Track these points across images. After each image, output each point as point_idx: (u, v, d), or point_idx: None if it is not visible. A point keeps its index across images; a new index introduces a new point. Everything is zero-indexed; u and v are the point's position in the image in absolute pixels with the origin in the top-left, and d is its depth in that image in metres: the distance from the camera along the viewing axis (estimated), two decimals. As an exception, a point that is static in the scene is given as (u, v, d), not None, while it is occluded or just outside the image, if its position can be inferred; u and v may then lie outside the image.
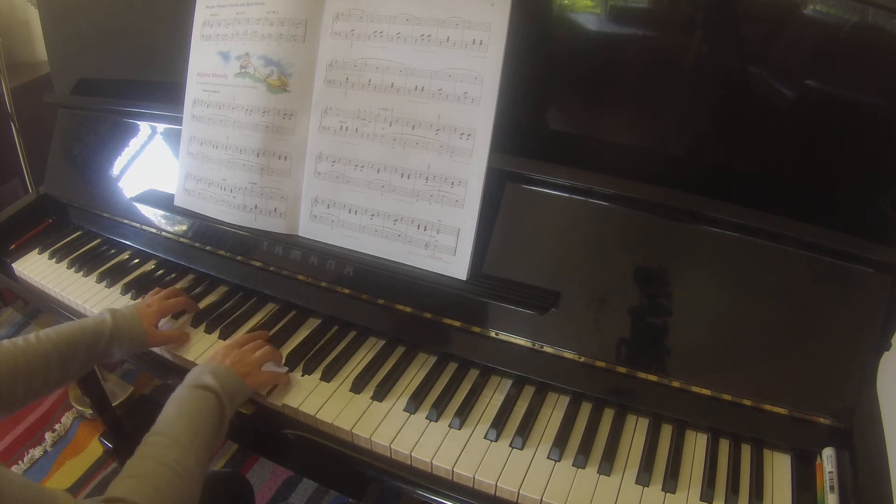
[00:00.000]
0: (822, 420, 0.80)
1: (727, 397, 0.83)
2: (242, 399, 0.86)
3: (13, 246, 1.32)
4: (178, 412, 0.77)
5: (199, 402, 0.79)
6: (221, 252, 1.13)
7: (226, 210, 1.10)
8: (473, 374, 0.95)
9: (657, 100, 0.90)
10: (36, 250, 1.30)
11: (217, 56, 1.09)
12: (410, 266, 0.96)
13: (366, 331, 1.04)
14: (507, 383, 0.94)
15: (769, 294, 0.82)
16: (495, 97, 0.89)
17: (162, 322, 1.04)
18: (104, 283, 1.18)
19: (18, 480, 0.58)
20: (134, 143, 1.27)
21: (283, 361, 0.97)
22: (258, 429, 0.92)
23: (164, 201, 1.19)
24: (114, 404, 1.72)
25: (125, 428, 1.69)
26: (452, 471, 0.81)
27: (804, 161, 0.86)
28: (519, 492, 0.78)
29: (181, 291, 1.10)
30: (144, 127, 1.26)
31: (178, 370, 1.02)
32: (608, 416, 0.89)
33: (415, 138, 0.94)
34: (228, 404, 0.81)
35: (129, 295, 1.15)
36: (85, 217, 1.34)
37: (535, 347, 0.91)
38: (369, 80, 0.97)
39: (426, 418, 0.88)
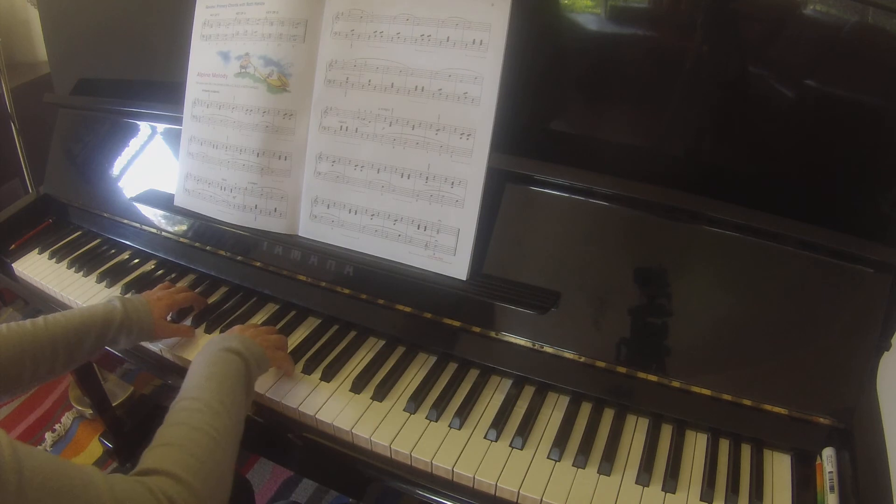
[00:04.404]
0: (822, 420, 0.80)
1: (727, 397, 0.83)
2: (265, 368, 0.85)
3: (13, 246, 1.32)
4: (205, 375, 0.74)
5: (225, 364, 0.77)
6: (221, 252, 1.13)
7: (226, 210, 1.10)
8: (473, 374, 0.95)
9: (657, 100, 0.90)
10: (36, 250, 1.30)
11: (217, 56, 1.09)
12: (410, 266, 0.96)
13: (366, 331, 1.04)
14: (507, 383, 0.94)
15: (769, 294, 0.82)
16: (495, 97, 0.89)
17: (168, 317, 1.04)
18: (104, 283, 1.18)
19: (41, 456, 0.54)
20: (134, 143, 1.27)
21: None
22: (258, 429, 0.91)
23: (164, 201, 1.19)
24: (114, 404, 1.72)
25: (125, 428, 1.70)
26: (452, 471, 0.81)
27: (804, 161, 0.86)
28: (519, 492, 0.78)
29: (188, 288, 1.10)
30: (144, 127, 1.26)
31: (179, 370, 1.02)
32: (608, 416, 0.89)
33: (415, 138, 0.94)
34: (255, 367, 0.79)
35: (129, 295, 1.15)
36: (85, 217, 1.34)
37: (535, 347, 0.91)
38: (369, 80, 0.97)
39: (426, 418, 0.88)
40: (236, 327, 0.93)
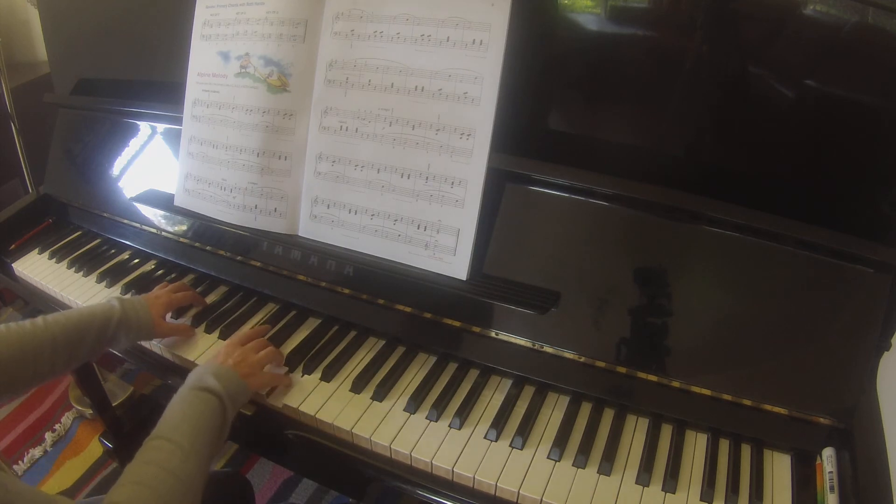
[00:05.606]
0: (822, 420, 0.80)
1: (727, 397, 0.83)
2: (244, 401, 0.86)
3: (13, 246, 1.32)
4: (180, 416, 0.76)
5: (201, 405, 0.78)
6: (221, 252, 1.13)
7: (226, 210, 1.10)
8: (473, 374, 0.95)
9: (657, 100, 0.90)
10: (36, 250, 1.30)
11: (217, 56, 1.09)
12: (410, 266, 0.96)
13: (366, 331, 1.04)
14: (507, 383, 0.94)
15: (769, 294, 0.82)
16: (495, 97, 0.89)
17: (167, 317, 1.04)
18: (104, 283, 1.18)
19: (28, 494, 0.58)
20: (134, 143, 1.27)
21: (283, 362, 0.97)
22: (258, 429, 0.91)
23: (164, 201, 1.19)
24: (114, 404, 1.72)
25: (125, 428, 1.69)
26: (452, 471, 0.81)
27: (804, 161, 0.86)
28: (519, 492, 0.78)
29: (188, 286, 1.10)
30: (144, 127, 1.26)
31: (179, 370, 1.02)
32: (608, 416, 0.89)
33: (415, 138, 0.94)
34: (231, 407, 0.81)
35: (129, 295, 1.15)
36: (85, 217, 1.34)
37: (535, 347, 0.91)
38: (369, 80, 0.97)
39: (426, 418, 0.88)
40: (223, 346, 0.92)
